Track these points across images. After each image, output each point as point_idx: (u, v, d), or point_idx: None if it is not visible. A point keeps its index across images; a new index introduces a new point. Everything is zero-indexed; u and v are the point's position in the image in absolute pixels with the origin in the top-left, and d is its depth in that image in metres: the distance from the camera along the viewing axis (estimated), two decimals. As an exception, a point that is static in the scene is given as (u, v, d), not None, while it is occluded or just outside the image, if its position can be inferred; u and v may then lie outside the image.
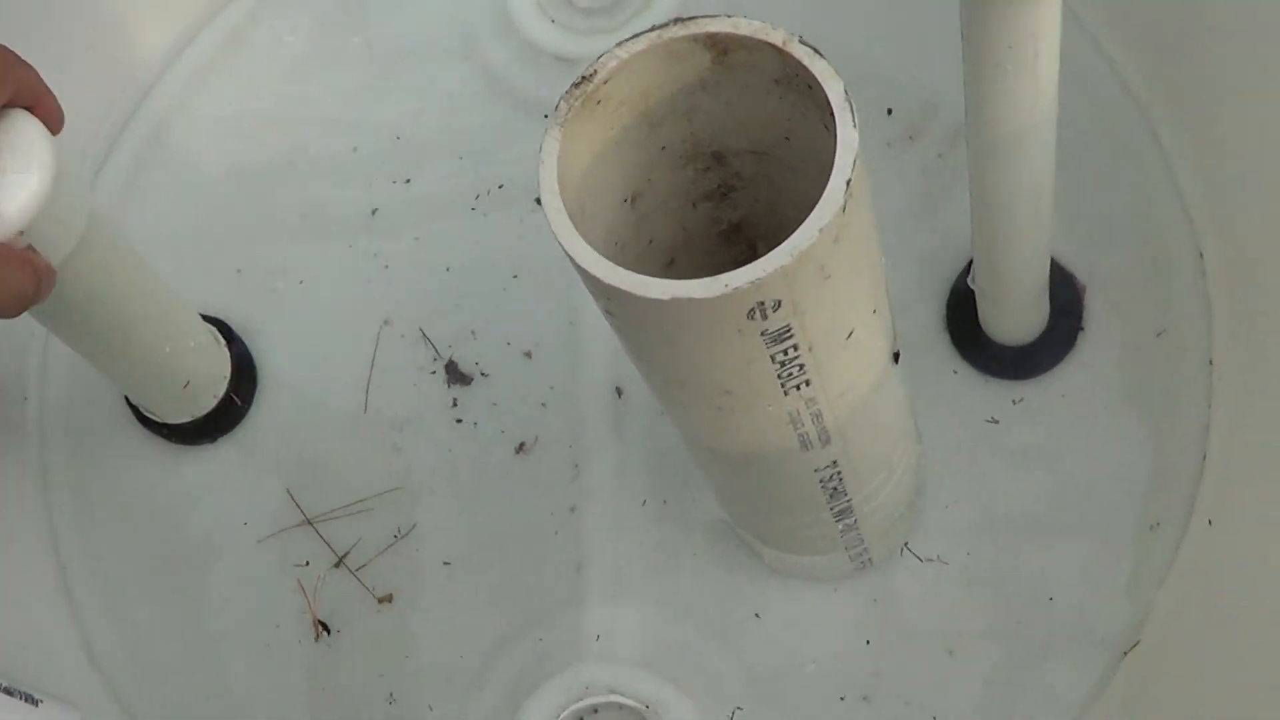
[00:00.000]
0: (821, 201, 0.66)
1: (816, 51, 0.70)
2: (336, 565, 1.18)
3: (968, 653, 1.09)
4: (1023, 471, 1.13)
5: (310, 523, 1.19)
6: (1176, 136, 1.18)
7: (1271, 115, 1.03)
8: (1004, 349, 1.14)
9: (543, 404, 1.19)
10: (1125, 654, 1.07)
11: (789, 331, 0.70)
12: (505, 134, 1.28)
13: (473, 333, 1.22)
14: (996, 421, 1.14)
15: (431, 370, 1.21)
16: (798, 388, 0.76)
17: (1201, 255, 1.15)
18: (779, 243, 0.82)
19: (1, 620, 1.18)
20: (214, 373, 1.21)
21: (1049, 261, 1.07)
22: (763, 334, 0.70)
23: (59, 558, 1.23)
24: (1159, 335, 1.14)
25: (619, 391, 1.17)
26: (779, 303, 0.68)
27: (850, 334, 0.76)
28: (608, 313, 0.73)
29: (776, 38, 0.70)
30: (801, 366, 0.74)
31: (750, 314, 0.68)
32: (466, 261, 1.24)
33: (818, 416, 0.81)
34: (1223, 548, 1.04)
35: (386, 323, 1.24)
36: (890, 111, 1.23)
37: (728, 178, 0.85)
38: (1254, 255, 1.08)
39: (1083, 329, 1.15)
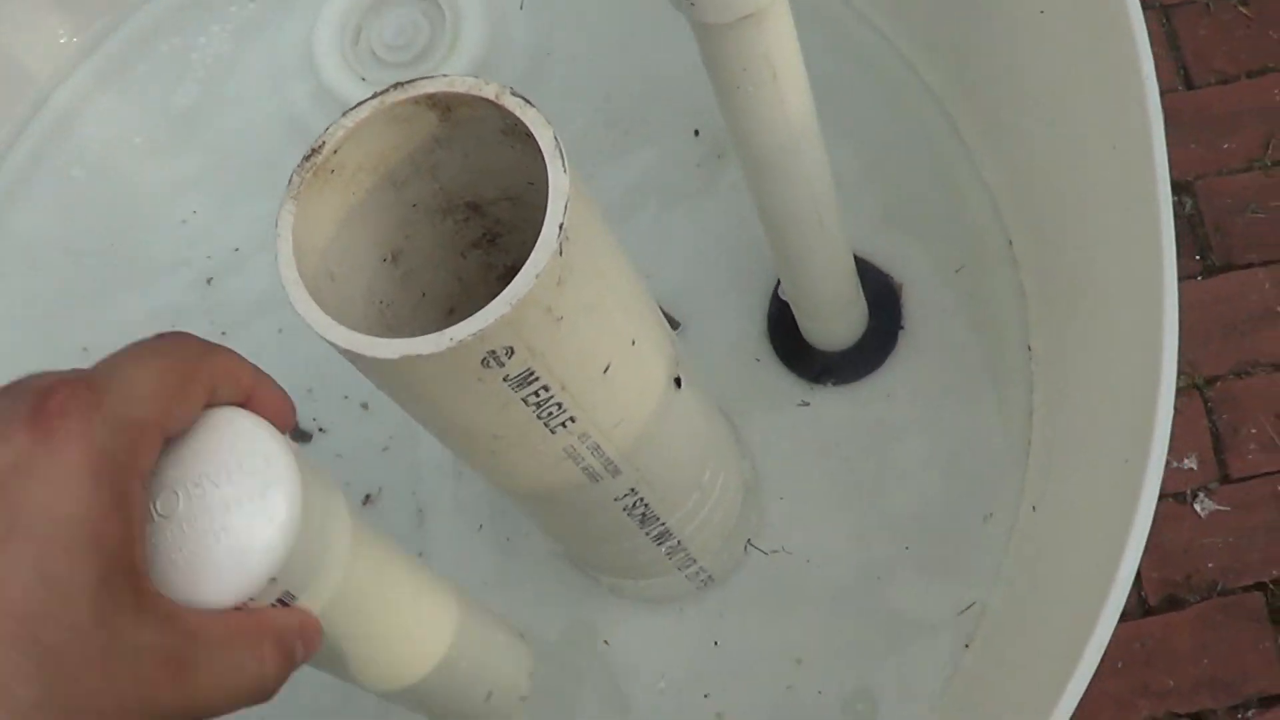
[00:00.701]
0: (536, 248, 0.68)
1: (528, 102, 0.71)
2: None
3: (814, 657, 1.10)
4: (857, 475, 1.15)
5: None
6: (977, 131, 1.20)
7: (1057, 102, 1.05)
8: (827, 355, 1.16)
9: (383, 455, 1.20)
10: (967, 646, 1.09)
11: (533, 375, 0.72)
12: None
13: (309, 390, 1.23)
14: (826, 428, 1.16)
15: (273, 433, 1.22)
16: (563, 425, 0.78)
17: (1011, 244, 1.17)
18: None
19: None
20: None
21: (852, 267, 1.09)
22: (505, 380, 0.71)
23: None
24: (978, 326, 1.15)
25: (456, 437, 1.18)
26: (510, 350, 0.69)
27: (607, 368, 0.77)
28: (365, 375, 0.74)
29: (490, 92, 0.72)
30: (560, 405, 0.76)
31: (484, 363, 0.69)
32: (298, 322, 1.25)
33: (597, 450, 0.82)
34: (1047, 533, 1.05)
35: (228, 390, 1.24)
36: (697, 133, 1.25)
37: (490, 225, 0.86)
38: (1058, 239, 1.10)
39: (903, 328, 1.17)
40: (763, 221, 0.99)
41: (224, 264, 1.30)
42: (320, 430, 1.22)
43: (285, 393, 0.71)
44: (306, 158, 0.74)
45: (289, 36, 1.38)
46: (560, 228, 0.68)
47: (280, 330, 1.26)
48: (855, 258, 1.10)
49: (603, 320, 0.76)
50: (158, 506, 0.64)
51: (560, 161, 0.70)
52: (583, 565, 1.12)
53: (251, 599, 0.63)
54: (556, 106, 1.25)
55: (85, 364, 1.20)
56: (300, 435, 1.22)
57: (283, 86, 1.37)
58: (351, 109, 0.74)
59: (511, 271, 0.87)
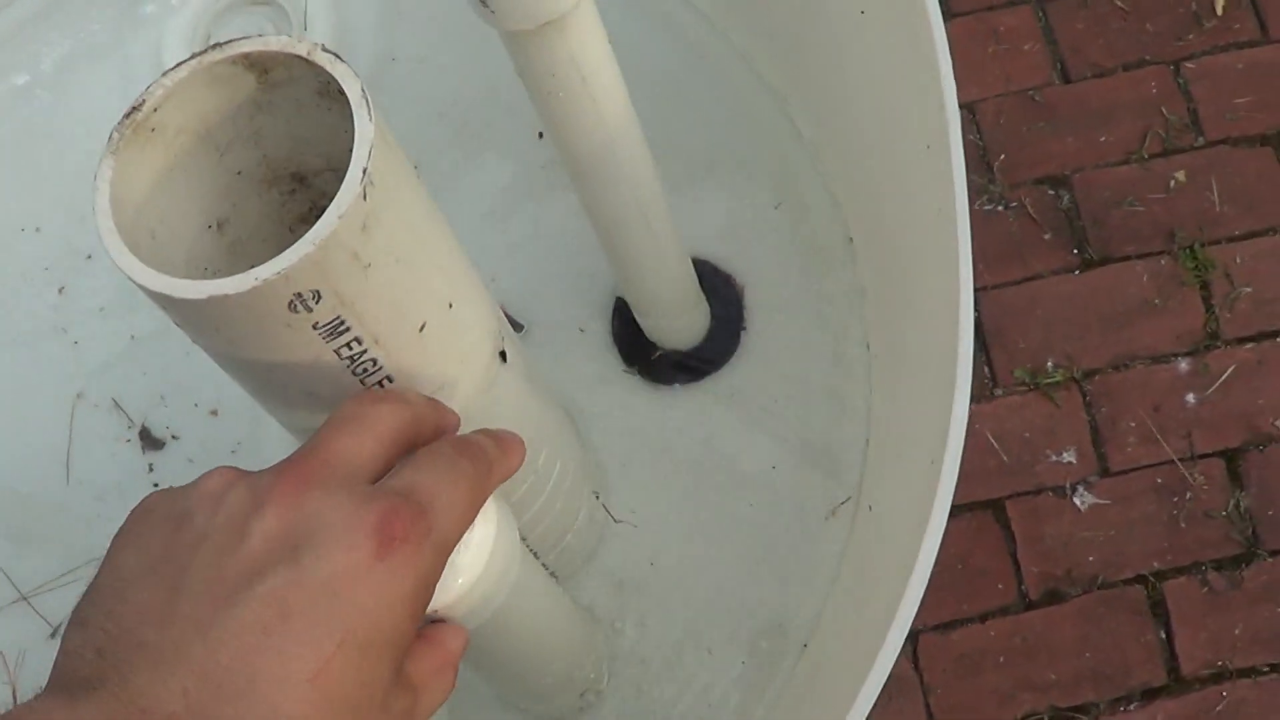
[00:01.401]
0: (341, 189, 0.69)
1: (338, 57, 0.73)
2: (51, 636, 1.19)
3: (656, 652, 1.11)
4: (702, 473, 1.16)
5: (25, 599, 1.20)
6: (814, 129, 1.23)
7: (879, 99, 1.08)
8: (670, 355, 1.18)
9: (231, 459, 1.21)
10: (805, 645, 1.10)
11: (343, 324, 0.73)
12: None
13: (161, 397, 1.24)
14: (671, 427, 1.18)
15: (127, 439, 1.23)
16: (380, 384, 0.79)
17: (851, 240, 1.19)
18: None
19: None
20: None
21: (688, 268, 1.10)
22: (315, 327, 0.72)
23: None
24: (819, 324, 1.17)
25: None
26: (317, 294, 0.70)
27: (422, 327, 0.79)
28: (177, 325, 0.75)
29: (302, 49, 0.74)
30: (375, 361, 0.77)
31: (292, 306, 0.70)
32: (149, 331, 1.27)
33: (418, 415, 0.83)
34: (876, 534, 1.07)
35: (79, 396, 1.25)
36: (541, 135, 1.27)
37: (315, 199, 0.87)
38: (890, 236, 1.12)
39: (745, 328, 1.19)
40: (593, 225, 1.01)
41: (76, 271, 1.31)
42: (173, 437, 1.23)
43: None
44: (127, 115, 0.75)
45: (138, 49, 1.40)
46: (364, 171, 0.70)
47: (133, 337, 1.27)
48: (697, 259, 1.12)
49: (416, 276, 0.77)
50: None
51: (366, 110, 0.71)
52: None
53: (436, 611, 0.73)
54: (402, 112, 1.28)
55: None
56: (154, 443, 1.22)
57: (127, 85, 1.38)
58: (171, 69, 0.76)
59: (341, 249, 0.89)
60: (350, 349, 0.75)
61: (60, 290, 1.30)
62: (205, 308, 0.69)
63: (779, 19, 1.20)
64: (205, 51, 0.76)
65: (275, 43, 0.74)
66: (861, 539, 1.10)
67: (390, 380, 0.79)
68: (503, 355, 0.89)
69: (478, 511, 0.69)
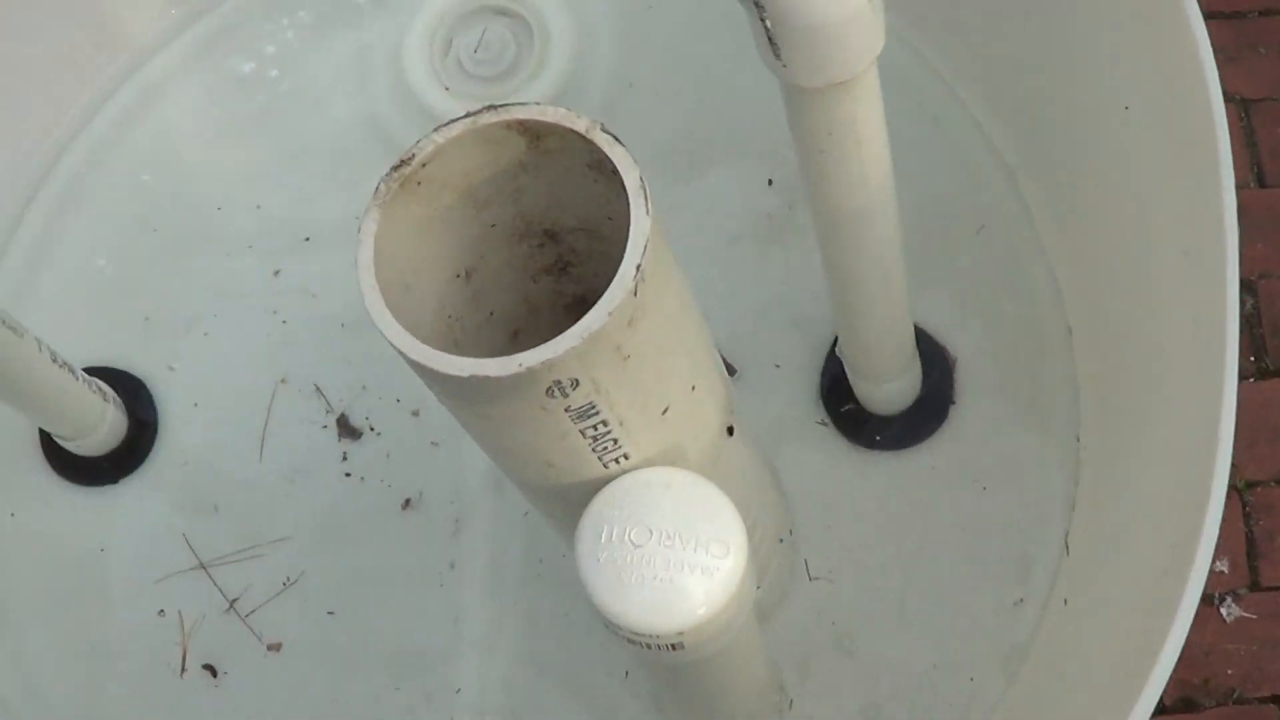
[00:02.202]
0: (612, 285, 0.69)
1: (616, 139, 0.72)
2: (227, 610, 1.20)
3: None
4: (893, 545, 1.15)
5: (204, 567, 1.21)
6: (1048, 213, 1.21)
7: (1132, 197, 1.06)
8: (876, 419, 1.17)
9: (427, 461, 1.22)
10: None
11: (594, 409, 0.73)
12: (403, 197, 1.31)
13: (364, 388, 1.25)
14: (867, 491, 1.17)
15: (323, 425, 1.24)
16: (616, 460, 0.79)
17: (1070, 331, 1.17)
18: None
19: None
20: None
21: (911, 333, 1.09)
22: (567, 410, 0.72)
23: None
24: (1029, 410, 1.15)
25: (501, 452, 1.19)
26: (576, 381, 0.70)
27: (666, 410, 0.78)
28: (428, 386, 0.75)
29: (580, 125, 0.73)
30: (616, 441, 0.77)
31: (549, 392, 0.70)
32: (361, 320, 1.25)
33: (646, 486, 0.83)
34: (1077, 629, 1.06)
35: (283, 379, 1.26)
36: (771, 182, 1.26)
37: (564, 253, 0.87)
38: (1119, 334, 1.10)
39: (954, 402, 1.17)
40: (829, 280, 1.00)
41: (292, 253, 1.32)
42: (371, 429, 1.23)
43: None
44: (395, 168, 0.75)
45: (378, 37, 1.40)
46: (637, 268, 0.69)
47: (343, 325, 1.27)
48: (916, 327, 1.11)
49: (668, 363, 0.77)
50: (632, 536, 0.78)
51: (644, 202, 0.71)
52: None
53: (681, 634, 0.77)
54: (633, 139, 1.27)
55: (145, 334, 1.22)
56: (351, 432, 1.23)
57: (367, 85, 1.39)
58: (443, 125, 0.75)
59: (579, 301, 0.89)
60: (595, 430, 0.75)
61: (275, 272, 1.31)
62: (465, 383, 0.69)
63: (1023, 96, 1.19)
64: (480, 112, 0.75)
65: (552, 114, 0.74)
66: (1054, 631, 1.09)
67: (626, 458, 0.79)
68: (730, 430, 0.89)
69: None
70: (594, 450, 0.77)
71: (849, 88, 0.79)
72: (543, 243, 0.86)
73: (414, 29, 1.38)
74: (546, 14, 1.36)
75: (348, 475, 1.22)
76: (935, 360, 1.17)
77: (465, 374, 0.69)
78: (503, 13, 1.37)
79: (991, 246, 1.22)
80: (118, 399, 1.25)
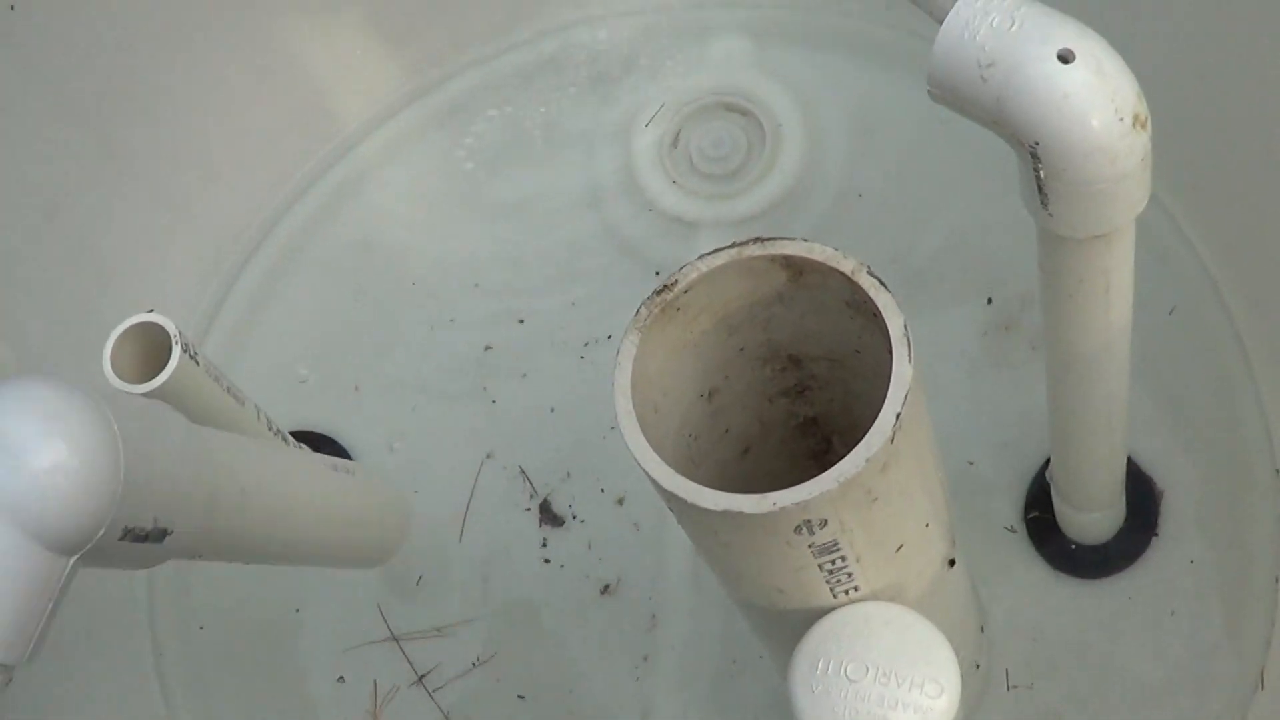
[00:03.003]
0: (870, 432, 0.70)
1: (882, 284, 0.73)
2: (415, 684, 1.21)
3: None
4: (1081, 672, 1.14)
5: (396, 639, 1.23)
6: (1264, 356, 1.20)
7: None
8: (1077, 546, 1.17)
9: (628, 552, 1.23)
10: None
11: (836, 545, 0.74)
12: (619, 286, 1.33)
13: (568, 474, 1.26)
14: (1062, 617, 1.16)
15: (526, 508, 1.26)
16: (846, 592, 0.80)
17: (1278, 473, 1.17)
18: (854, 438, 0.86)
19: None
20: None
21: (1124, 467, 1.09)
22: (810, 546, 0.73)
23: (158, 663, 1.29)
24: (1230, 547, 1.15)
25: (701, 550, 1.20)
26: (825, 521, 0.71)
27: (900, 548, 0.79)
28: (671, 510, 0.76)
29: (847, 266, 0.74)
30: (850, 575, 0.78)
31: (797, 529, 0.71)
32: (570, 405, 1.28)
33: (866, 615, 0.84)
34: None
35: (489, 455, 1.28)
36: (990, 300, 1.26)
37: (804, 378, 0.88)
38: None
39: (1157, 534, 1.17)
40: (1054, 413, 1.00)
41: (505, 333, 1.34)
42: (574, 517, 1.24)
43: None
44: (657, 292, 0.76)
45: (610, 123, 1.42)
46: (897, 417, 0.70)
47: (551, 410, 1.29)
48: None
49: (909, 503, 0.78)
50: (848, 670, 0.78)
51: (907, 351, 0.72)
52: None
53: None
54: (857, 248, 1.28)
55: (356, 403, 1.25)
56: (554, 519, 1.24)
57: (593, 168, 1.41)
58: (708, 254, 0.77)
59: (810, 421, 0.90)
60: (833, 564, 0.76)
61: (487, 348, 1.32)
62: (716, 516, 0.70)
63: (1259, 244, 1.18)
64: (746, 243, 0.76)
65: (819, 252, 0.75)
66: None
67: (856, 590, 0.80)
68: (951, 562, 0.89)
69: None
70: (827, 583, 0.78)
71: (1109, 240, 0.80)
72: (785, 367, 0.87)
73: (645, 118, 1.39)
74: (780, 116, 1.37)
75: (547, 561, 1.24)
76: (1142, 490, 1.17)
77: (719, 509, 0.70)
78: (736, 110, 1.38)
79: (1204, 383, 1.21)
80: (325, 465, 1.26)
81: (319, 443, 1.30)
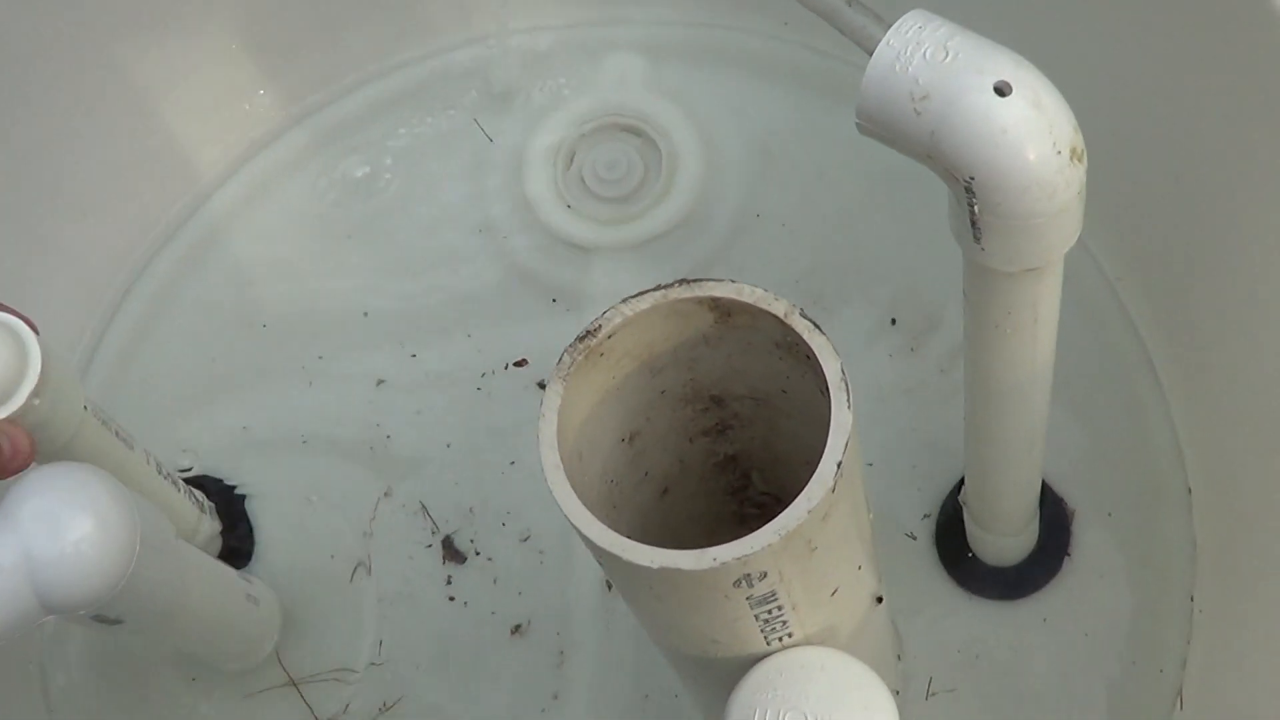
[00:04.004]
0: (811, 483, 0.68)
1: (816, 326, 0.71)
2: (320, 731, 1.19)
3: None
4: (995, 694, 1.14)
5: (295, 684, 1.20)
6: (1174, 374, 1.20)
7: (1266, 366, 1.05)
8: (989, 569, 1.16)
9: (532, 590, 1.21)
10: None
11: (774, 595, 0.72)
12: (516, 316, 1.31)
13: (471, 510, 1.24)
14: (975, 641, 1.16)
15: (427, 545, 1.23)
16: (780, 639, 0.78)
17: (1190, 491, 1.17)
18: (774, 473, 0.85)
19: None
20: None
21: (1038, 491, 1.08)
22: (748, 598, 0.72)
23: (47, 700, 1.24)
24: (1143, 566, 1.15)
25: (609, 585, 1.18)
26: (764, 574, 0.70)
27: (835, 591, 0.78)
28: (600, 563, 0.74)
29: (779, 309, 0.72)
30: (785, 622, 0.76)
31: (736, 583, 0.70)
32: (468, 440, 1.26)
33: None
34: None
35: (386, 493, 1.25)
36: (894, 321, 1.25)
37: (726, 417, 0.87)
38: (1241, 498, 1.09)
39: (1069, 555, 1.16)
40: (971, 440, 0.99)
41: (397, 367, 1.31)
42: (477, 553, 1.22)
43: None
44: (581, 339, 0.74)
45: (501, 143, 1.40)
46: (838, 465, 0.68)
47: (448, 445, 1.26)
48: (1038, 480, 1.10)
49: (845, 548, 0.76)
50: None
51: (845, 396, 0.70)
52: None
53: None
54: (759, 270, 1.27)
55: (244, 443, 1.21)
56: (456, 555, 1.22)
57: (483, 192, 1.38)
58: (632, 297, 0.75)
59: (729, 460, 0.88)
60: (770, 614, 0.74)
61: (379, 383, 1.30)
62: (653, 573, 0.68)
63: (1165, 262, 1.18)
64: (671, 286, 0.74)
65: (749, 294, 0.73)
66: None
67: (790, 636, 0.78)
68: (879, 599, 0.88)
69: None
70: (762, 631, 0.76)
71: (1040, 273, 0.78)
72: (707, 407, 0.86)
73: (538, 140, 1.37)
74: (676, 138, 1.35)
75: (451, 599, 1.21)
76: (1055, 511, 1.17)
77: (656, 566, 0.68)
78: (631, 131, 1.36)
79: (1116, 403, 1.21)
80: (213, 509, 1.23)
81: (209, 486, 1.26)
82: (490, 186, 1.37)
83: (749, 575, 0.69)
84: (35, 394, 0.93)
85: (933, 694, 1.13)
